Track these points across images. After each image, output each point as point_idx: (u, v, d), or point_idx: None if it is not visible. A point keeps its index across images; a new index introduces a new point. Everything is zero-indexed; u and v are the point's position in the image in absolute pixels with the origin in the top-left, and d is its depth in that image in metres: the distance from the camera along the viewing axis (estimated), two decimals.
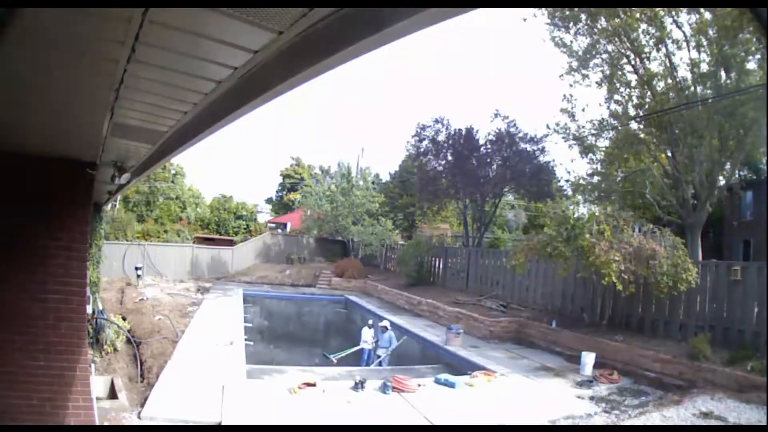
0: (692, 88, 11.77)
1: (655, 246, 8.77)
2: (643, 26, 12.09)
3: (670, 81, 11.97)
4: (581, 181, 16.57)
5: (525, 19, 15.24)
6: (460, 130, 18.13)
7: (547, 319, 11.06)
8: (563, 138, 15.23)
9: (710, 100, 11.27)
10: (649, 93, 12.28)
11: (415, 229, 26.32)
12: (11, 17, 1.73)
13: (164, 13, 1.82)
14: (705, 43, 11.17)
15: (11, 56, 2.15)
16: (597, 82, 14.74)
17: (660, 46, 12.13)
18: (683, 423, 6.07)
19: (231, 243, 24.25)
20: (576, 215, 10.00)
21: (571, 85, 15.23)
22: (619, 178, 15.91)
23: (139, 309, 12.23)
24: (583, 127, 14.92)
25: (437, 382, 7.76)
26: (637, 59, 12.62)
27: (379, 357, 10.61)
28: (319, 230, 26.20)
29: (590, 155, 15.07)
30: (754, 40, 9.88)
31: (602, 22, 12.50)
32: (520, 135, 17.79)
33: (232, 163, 75.00)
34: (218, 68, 2.47)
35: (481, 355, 9.77)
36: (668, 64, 12.19)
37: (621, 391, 7.70)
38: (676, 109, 11.67)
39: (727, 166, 12.78)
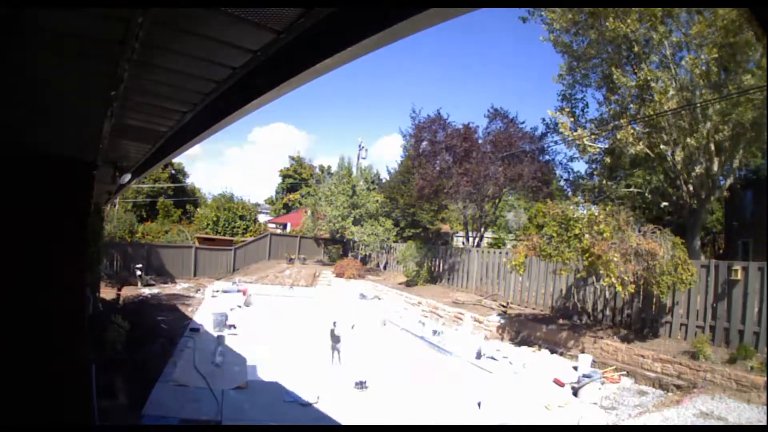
0: (692, 89, 11.76)
1: (655, 246, 8.77)
2: (644, 29, 12.07)
3: (669, 81, 11.96)
4: (581, 181, 16.57)
5: (525, 20, 15.27)
6: (458, 129, 18.11)
7: (546, 317, 11.07)
8: (562, 139, 15.22)
9: (710, 101, 11.26)
10: (648, 93, 12.26)
11: (416, 229, 26.29)
12: (11, 17, 1.73)
13: (164, 13, 1.82)
14: (705, 44, 11.16)
15: (11, 56, 2.15)
16: (596, 82, 14.76)
17: (660, 47, 12.12)
18: (683, 423, 6.07)
19: (231, 243, 24.25)
20: (575, 215, 9.99)
21: (570, 85, 15.26)
22: (619, 178, 15.92)
23: (139, 309, 12.23)
24: (582, 126, 14.92)
25: None
26: (637, 59, 12.62)
27: None
28: (319, 230, 26.19)
29: (589, 155, 15.06)
30: (754, 40, 9.87)
31: (602, 23, 12.50)
32: (520, 134, 17.79)
33: (233, 163, 75.06)
34: (218, 68, 2.48)
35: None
36: (668, 65, 12.18)
37: (621, 390, 7.71)
38: (676, 110, 11.66)
39: (727, 166, 12.77)
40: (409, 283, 18.08)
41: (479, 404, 6.96)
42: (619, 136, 12.82)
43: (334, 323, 9.51)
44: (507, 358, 9.60)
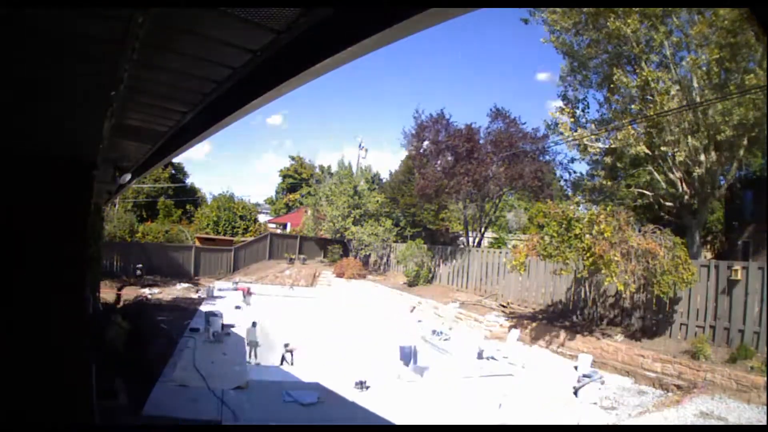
0: (692, 89, 11.76)
1: (655, 246, 8.77)
2: (644, 28, 12.08)
3: (670, 81, 11.96)
4: (581, 181, 16.57)
5: (527, 21, 15.27)
6: (460, 129, 18.11)
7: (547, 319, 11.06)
8: (563, 139, 15.22)
9: (710, 101, 11.26)
10: (649, 93, 12.26)
11: (416, 229, 26.33)
12: (11, 17, 1.73)
13: (164, 13, 1.82)
14: (705, 44, 11.16)
15: (11, 56, 2.15)
16: (597, 83, 14.75)
17: (660, 48, 12.13)
18: (683, 423, 6.07)
19: (231, 243, 24.25)
20: (576, 215, 10.00)
21: (571, 85, 15.25)
22: (619, 178, 15.91)
23: (139, 309, 12.23)
24: (583, 126, 14.92)
25: None
26: (638, 60, 12.62)
27: None
28: (320, 230, 26.19)
29: (590, 155, 15.06)
30: (754, 39, 9.87)
31: (603, 23, 12.50)
32: (521, 135, 17.78)
33: (233, 163, 75.07)
34: (218, 68, 2.48)
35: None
36: (668, 65, 12.19)
37: (621, 390, 7.71)
38: (676, 110, 11.65)
39: (727, 166, 12.77)
40: (410, 283, 18.09)
41: (478, 404, 6.96)
42: (619, 137, 12.82)
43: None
44: (507, 358, 9.61)
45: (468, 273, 16.42)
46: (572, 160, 18.71)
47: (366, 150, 29.07)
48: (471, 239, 19.94)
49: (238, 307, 14.23)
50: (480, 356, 9.69)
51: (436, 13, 1.58)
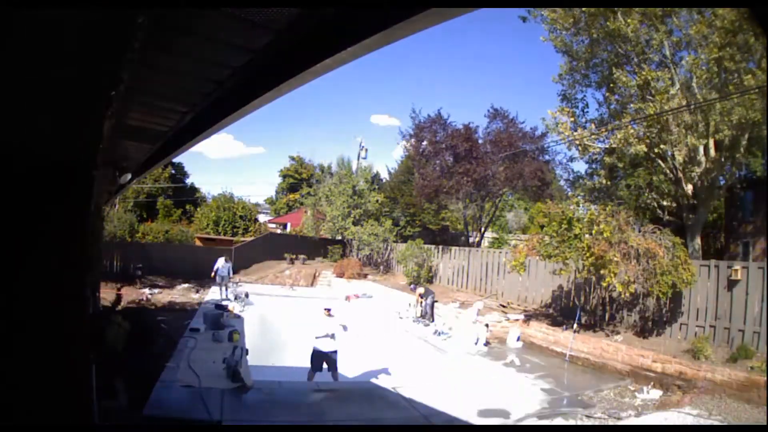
0: (692, 88, 11.77)
1: (655, 246, 8.77)
2: (644, 28, 12.09)
3: (669, 81, 11.97)
4: (581, 181, 16.57)
5: (525, 19, 15.28)
6: (458, 129, 18.12)
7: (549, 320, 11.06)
8: (562, 139, 15.22)
9: (709, 101, 11.26)
10: (648, 93, 12.27)
11: (416, 229, 26.34)
12: (10, 17, 1.73)
13: (164, 13, 1.82)
14: (705, 44, 11.17)
15: (10, 56, 2.15)
16: (597, 82, 14.76)
17: (660, 47, 12.13)
18: (683, 423, 6.07)
19: (231, 243, 24.24)
20: (575, 215, 10.00)
21: (570, 85, 15.26)
22: (619, 178, 15.92)
23: (139, 309, 12.23)
24: (582, 126, 14.92)
25: None
26: (638, 59, 12.62)
27: None
28: (320, 230, 26.18)
29: (589, 155, 15.05)
30: (753, 40, 9.88)
31: (603, 22, 12.51)
32: (520, 134, 17.79)
33: (233, 163, 75.06)
34: (218, 68, 2.48)
35: (477, 353, 9.78)
36: (668, 65, 12.20)
37: (622, 390, 7.70)
38: (675, 110, 11.66)
39: (727, 165, 12.78)
40: (410, 283, 18.07)
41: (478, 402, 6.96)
42: (619, 136, 12.82)
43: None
44: (507, 358, 9.60)
45: (468, 273, 16.41)
46: (571, 159, 18.76)
47: (366, 150, 29.02)
48: (471, 239, 19.94)
49: (239, 307, 14.21)
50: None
51: (436, 13, 1.58)
